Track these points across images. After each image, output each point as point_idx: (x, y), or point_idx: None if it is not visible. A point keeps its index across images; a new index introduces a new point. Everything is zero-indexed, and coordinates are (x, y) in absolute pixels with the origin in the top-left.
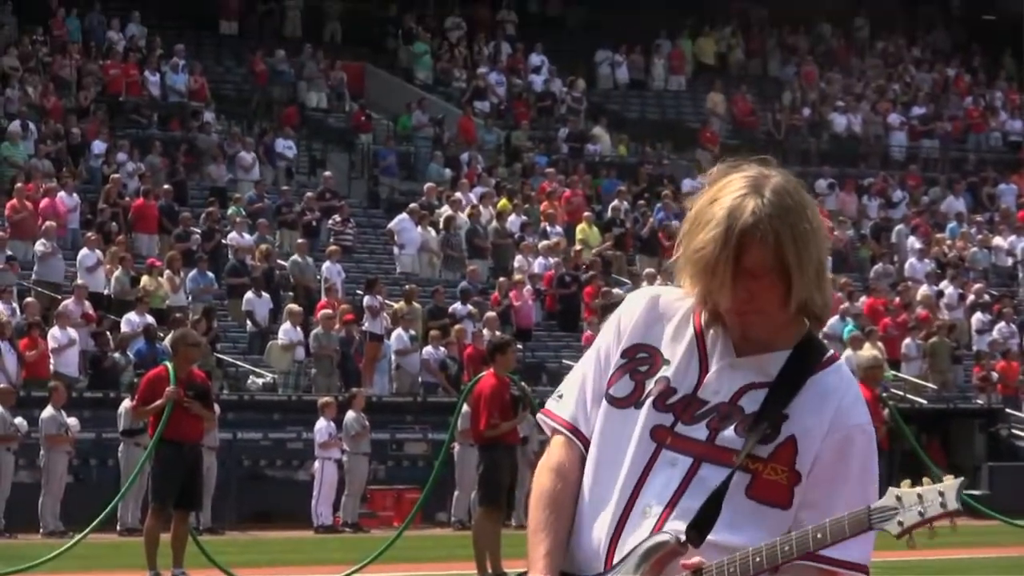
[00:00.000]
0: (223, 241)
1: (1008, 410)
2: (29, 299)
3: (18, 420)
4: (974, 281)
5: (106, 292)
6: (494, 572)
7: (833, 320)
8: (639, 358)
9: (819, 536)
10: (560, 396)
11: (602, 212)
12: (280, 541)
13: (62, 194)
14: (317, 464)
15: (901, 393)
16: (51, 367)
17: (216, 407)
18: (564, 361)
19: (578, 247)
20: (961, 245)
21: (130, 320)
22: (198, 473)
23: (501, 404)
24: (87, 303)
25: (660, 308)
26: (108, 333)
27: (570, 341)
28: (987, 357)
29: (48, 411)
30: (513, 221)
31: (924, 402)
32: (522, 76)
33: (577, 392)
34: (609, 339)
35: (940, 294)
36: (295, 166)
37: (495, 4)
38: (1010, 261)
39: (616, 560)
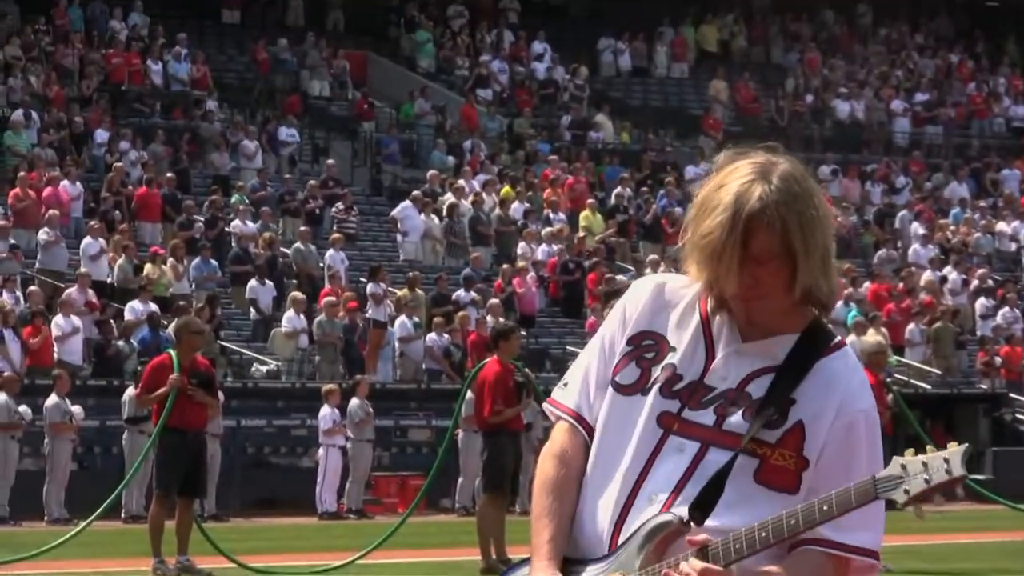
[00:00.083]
0: (226, 229)
1: (1012, 395)
2: (33, 287)
3: (22, 408)
4: (978, 266)
5: (109, 280)
6: (498, 558)
7: (837, 305)
8: (645, 345)
9: (825, 508)
10: (565, 384)
11: (605, 199)
12: (284, 528)
13: (65, 183)
14: (321, 451)
15: (905, 378)
16: (55, 355)
17: (220, 394)
18: (568, 348)
19: (581, 234)
20: (965, 231)
21: (134, 308)
22: (202, 460)
23: (505, 391)
24: (90, 291)
25: (666, 295)
26: (112, 321)
27: (574, 328)
28: (991, 342)
29: (52, 399)
30: (516, 208)
31: (928, 387)
32: (525, 64)
33: (581, 380)
34: (614, 327)
35: (944, 280)
36: (298, 154)
37: None
38: (1014, 246)
39: (620, 542)
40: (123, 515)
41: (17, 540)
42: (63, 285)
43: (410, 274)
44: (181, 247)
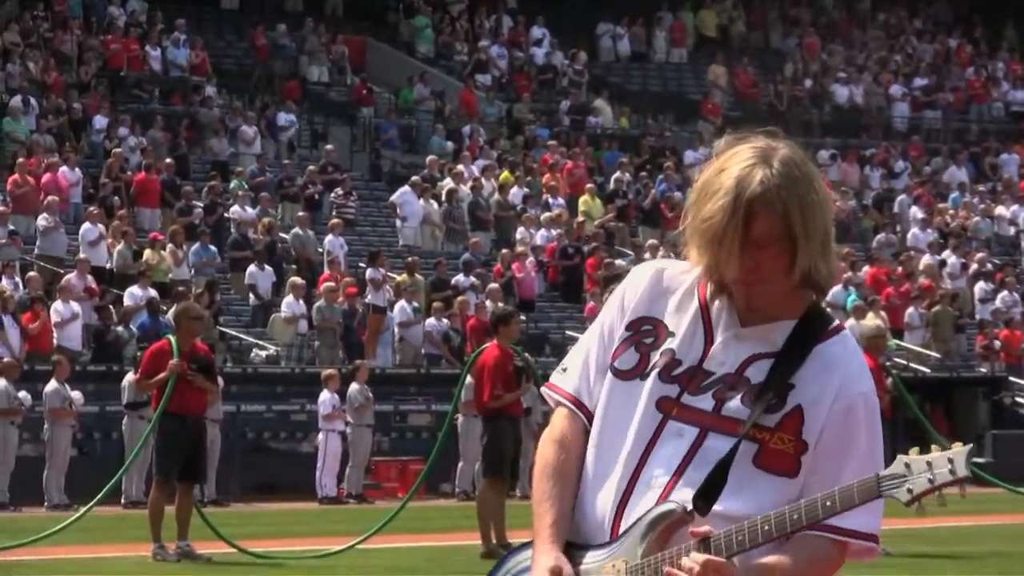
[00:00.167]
0: (225, 215)
1: (1011, 378)
2: (32, 273)
3: (22, 394)
4: (976, 250)
5: (108, 266)
6: (498, 543)
7: (836, 289)
8: (644, 330)
9: (828, 504)
10: (564, 370)
11: (604, 184)
12: (284, 513)
13: (64, 169)
14: (321, 436)
15: (904, 362)
16: (54, 341)
17: (219, 380)
18: (567, 332)
19: (580, 219)
20: (963, 215)
21: (133, 294)
22: (202, 446)
23: (504, 375)
24: (90, 277)
25: (665, 281)
26: (111, 307)
27: (573, 312)
28: (990, 326)
29: (52, 385)
30: (515, 193)
31: (927, 371)
32: (524, 49)
33: (580, 366)
34: (613, 313)
35: (943, 264)
36: (297, 140)
37: None
38: (1012, 230)
39: (622, 530)
40: (123, 501)
41: (17, 526)
42: (62, 271)
43: (409, 259)
44: (180, 233)
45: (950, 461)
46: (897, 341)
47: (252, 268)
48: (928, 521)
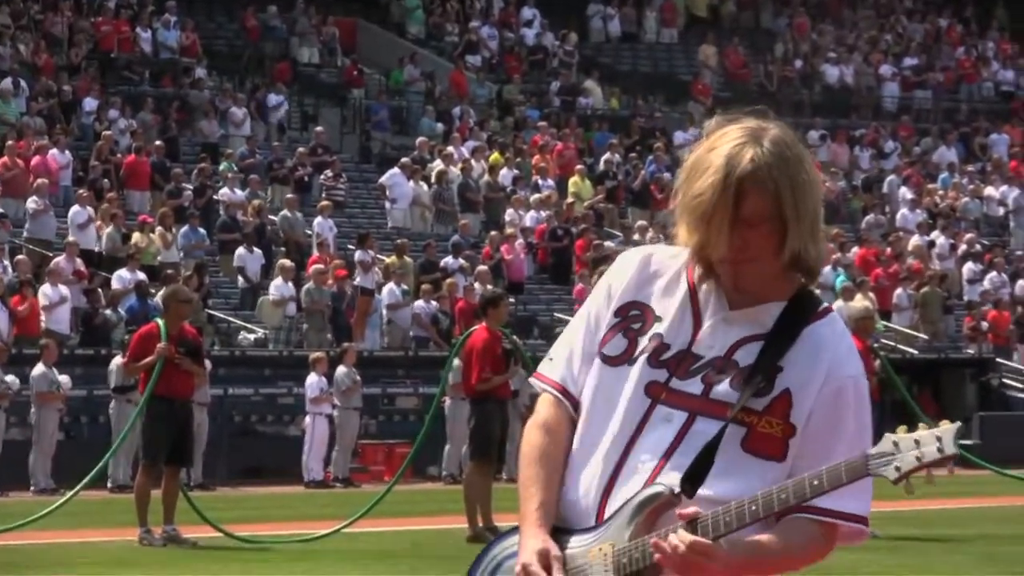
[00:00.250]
0: (215, 197)
1: (999, 360)
2: (20, 256)
3: (9, 378)
4: (965, 231)
5: (97, 249)
6: (485, 526)
7: (825, 270)
8: (632, 316)
9: (816, 483)
10: (551, 359)
11: (594, 165)
12: (271, 496)
13: (54, 151)
14: (308, 419)
15: (892, 343)
16: (42, 324)
17: (207, 363)
18: (556, 314)
19: (570, 200)
20: (953, 195)
21: (122, 277)
22: (189, 429)
23: (493, 358)
24: (78, 260)
25: (652, 266)
26: (99, 290)
27: (562, 294)
28: (978, 307)
29: (39, 368)
30: (505, 175)
31: (915, 352)
32: (514, 30)
33: (566, 354)
34: (600, 301)
35: (931, 244)
36: (287, 121)
37: None
38: (1001, 211)
39: (608, 514)
40: (109, 485)
41: (3, 510)
42: (51, 254)
43: (398, 241)
44: (169, 215)
45: (938, 439)
46: (885, 322)
47: (241, 250)
48: (915, 503)
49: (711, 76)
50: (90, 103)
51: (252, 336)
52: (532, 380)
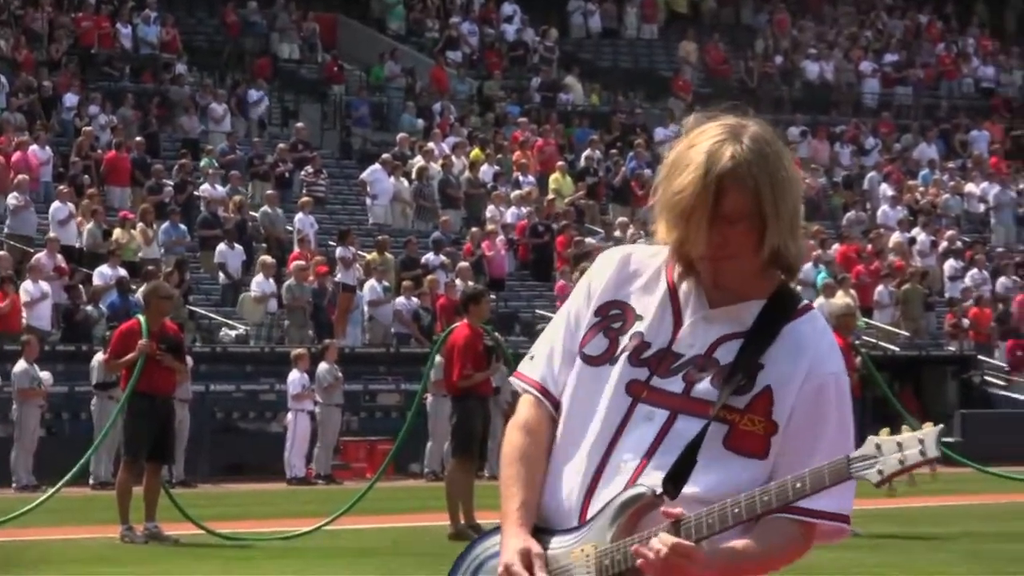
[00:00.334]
0: (195, 193)
1: (980, 357)
2: (1, 253)
3: None
4: (946, 228)
5: (78, 245)
6: (467, 523)
7: (806, 267)
8: (612, 315)
9: (798, 486)
10: (531, 358)
11: (575, 161)
12: (252, 493)
13: (34, 147)
14: (290, 416)
15: (873, 340)
16: (23, 320)
17: (188, 359)
18: (537, 311)
19: (551, 196)
20: (933, 192)
21: (102, 273)
22: (170, 426)
23: (475, 355)
24: (59, 256)
25: (632, 265)
26: (80, 286)
27: (543, 291)
28: (959, 304)
29: (20, 365)
30: (486, 171)
31: (896, 349)
32: (494, 25)
33: (547, 353)
34: (580, 300)
35: (912, 241)
36: (267, 117)
37: None
38: (982, 207)
39: (591, 514)
40: (91, 481)
41: None
42: (32, 250)
43: (379, 238)
44: (150, 211)
45: (921, 442)
46: (866, 319)
47: (222, 247)
48: (898, 501)
49: (691, 72)
50: (70, 99)
51: (233, 332)
52: (512, 379)
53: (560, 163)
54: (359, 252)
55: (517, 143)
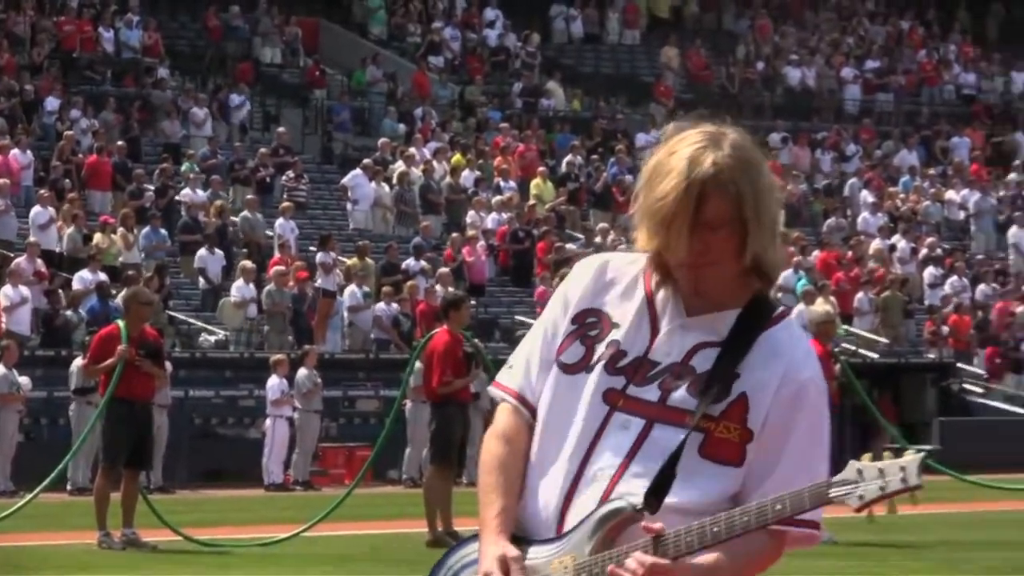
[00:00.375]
0: (176, 198)
1: (959, 364)
2: None
3: None
4: (926, 235)
5: (59, 250)
6: (445, 530)
7: (786, 273)
8: (589, 323)
9: (778, 508)
10: (509, 367)
11: (556, 167)
12: (230, 500)
13: (15, 151)
14: (269, 422)
15: (853, 348)
16: (3, 325)
17: (168, 365)
18: (517, 317)
19: (532, 202)
20: (914, 199)
21: (83, 278)
22: (149, 432)
23: (454, 361)
24: (39, 261)
25: (609, 273)
26: (60, 291)
27: (523, 297)
28: (939, 311)
29: None
30: (467, 176)
31: (876, 357)
32: (476, 31)
33: (524, 362)
34: (557, 308)
35: (892, 248)
36: (249, 122)
37: None
38: (962, 215)
39: (569, 525)
40: (69, 487)
41: None
42: (12, 254)
43: (360, 243)
44: (131, 216)
45: (902, 469)
46: (846, 326)
47: (202, 252)
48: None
49: (673, 78)
50: (52, 103)
51: (213, 338)
52: (490, 389)
53: (541, 169)
54: (339, 257)
55: (498, 148)
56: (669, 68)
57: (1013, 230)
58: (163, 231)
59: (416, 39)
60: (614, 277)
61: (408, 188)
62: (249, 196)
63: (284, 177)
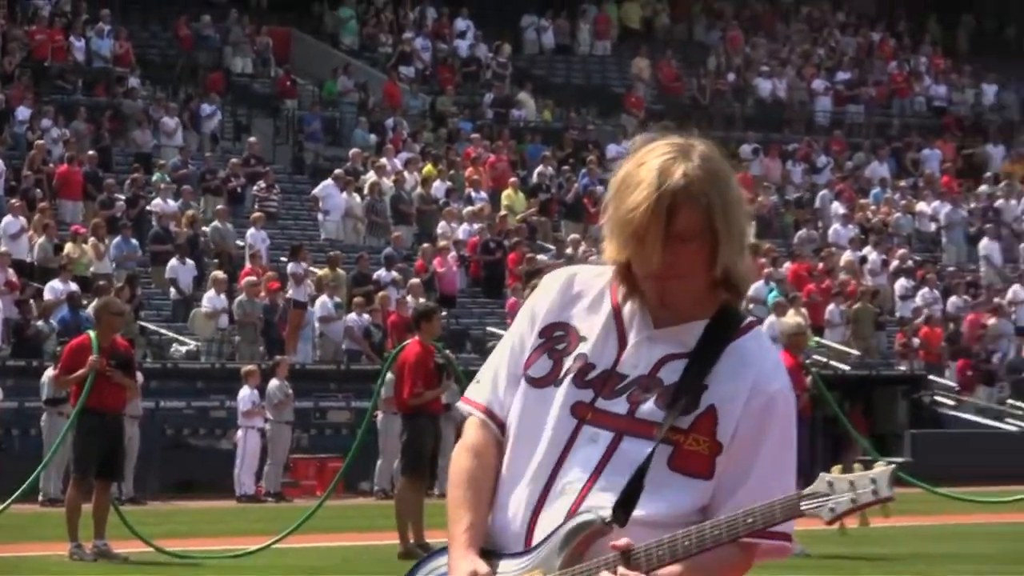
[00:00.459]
0: (147, 208)
1: (931, 377)
2: None
3: None
4: (897, 247)
5: (29, 259)
6: (416, 542)
7: (758, 284)
8: (556, 336)
9: (749, 520)
10: (478, 381)
11: (527, 178)
12: (202, 511)
13: None
14: (240, 433)
15: (824, 360)
16: None
17: (139, 376)
18: (488, 328)
19: (503, 213)
20: (885, 211)
21: (54, 288)
22: (120, 443)
23: (426, 372)
24: (10, 270)
25: (575, 286)
26: (31, 301)
27: (494, 308)
28: (910, 323)
29: None
30: (438, 187)
31: (847, 369)
32: (448, 41)
33: (492, 376)
34: (524, 322)
35: (864, 260)
36: (220, 132)
37: None
38: (933, 227)
39: (537, 539)
40: (40, 498)
41: None
42: None
43: (331, 253)
44: (102, 226)
45: (873, 481)
46: (817, 338)
47: (173, 262)
48: (845, 522)
49: (644, 89)
50: (23, 112)
51: (184, 348)
52: (458, 404)
53: (512, 179)
54: (311, 268)
55: (469, 159)
56: (640, 79)
57: (984, 242)
58: (134, 241)
59: (387, 49)
60: (581, 290)
61: (379, 199)
62: (220, 206)
63: (255, 187)
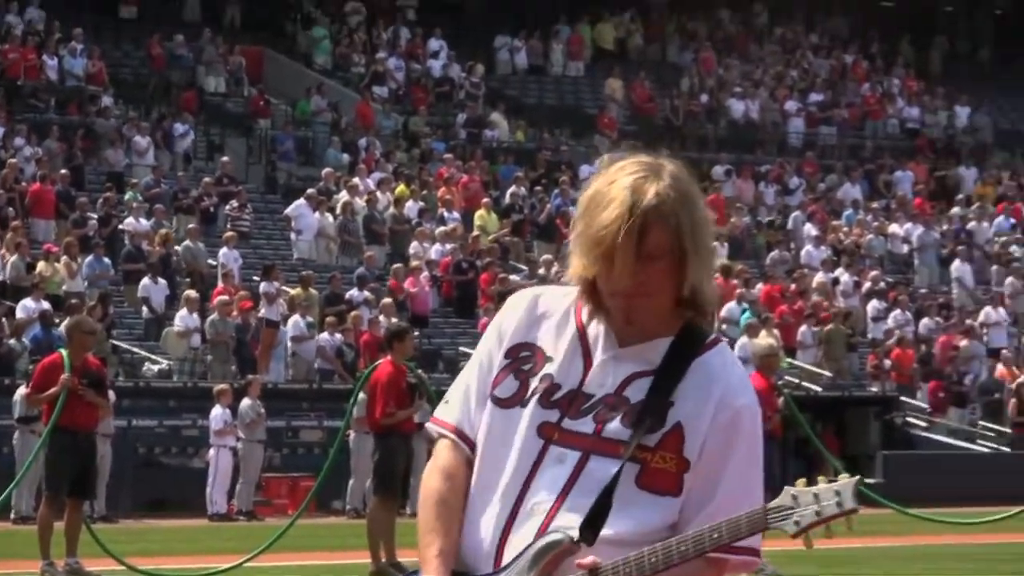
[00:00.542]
0: (120, 227)
1: (902, 398)
2: None
3: None
4: (870, 268)
5: (1, 278)
6: (388, 561)
7: (730, 305)
8: (522, 357)
9: (715, 536)
10: (446, 402)
11: (500, 198)
12: (174, 530)
13: None
14: (212, 452)
15: (796, 381)
16: None
17: (111, 394)
18: (460, 348)
19: (475, 233)
20: (857, 232)
21: (26, 306)
22: (92, 462)
23: (398, 392)
24: None
25: (540, 307)
26: (3, 319)
27: (467, 328)
28: (882, 345)
29: None
30: (411, 207)
31: (819, 390)
32: (421, 61)
33: (462, 397)
34: (491, 343)
35: (836, 281)
36: (192, 151)
37: None
38: (906, 248)
39: (507, 560)
40: (12, 516)
41: None
42: None
43: (303, 273)
44: (75, 245)
45: (837, 494)
46: (789, 359)
47: (146, 281)
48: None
49: (617, 109)
50: None
51: (156, 367)
52: (428, 425)
53: (485, 200)
54: (283, 287)
55: (442, 179)
56: (613, 100)
57: (956, 264)
58: (106, 260)
59: (360, 69)
60: (546, 311)
61: (352, 218)
62: (192, 225)
63: (228, 207)
